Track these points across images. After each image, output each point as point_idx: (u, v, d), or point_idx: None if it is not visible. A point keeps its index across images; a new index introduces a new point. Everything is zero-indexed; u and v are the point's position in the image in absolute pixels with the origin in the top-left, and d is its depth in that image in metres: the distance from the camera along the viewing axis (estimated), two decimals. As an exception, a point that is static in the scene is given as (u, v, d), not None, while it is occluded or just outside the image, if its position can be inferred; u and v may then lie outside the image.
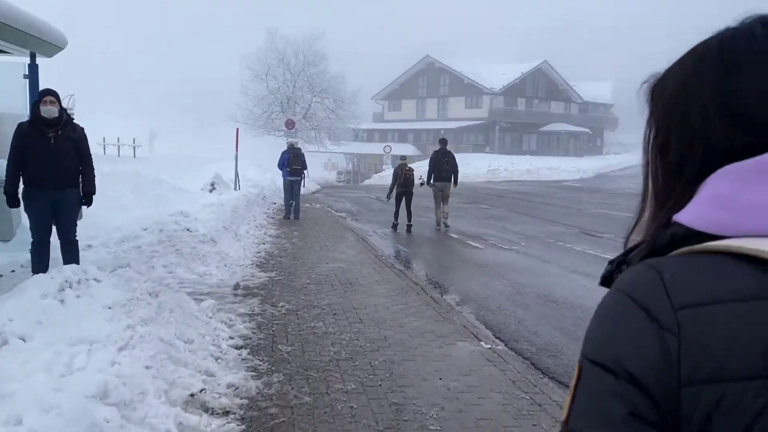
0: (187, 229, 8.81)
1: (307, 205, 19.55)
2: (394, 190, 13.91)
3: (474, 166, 36.68)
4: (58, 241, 6.64)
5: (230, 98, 44.19)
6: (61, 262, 6.64)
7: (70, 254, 6.54)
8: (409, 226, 13.86)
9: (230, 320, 5.61)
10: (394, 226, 14.06)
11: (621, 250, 0.76)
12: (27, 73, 8.17)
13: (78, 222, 7.14)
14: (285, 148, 16.03)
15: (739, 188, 0.63)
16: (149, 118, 78.16)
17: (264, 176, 24.25)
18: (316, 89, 43.19)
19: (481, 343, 5.45)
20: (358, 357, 4.93)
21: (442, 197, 14.04)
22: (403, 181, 13.61)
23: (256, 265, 8.68)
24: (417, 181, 14.11)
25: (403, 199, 13.81)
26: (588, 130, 60.55)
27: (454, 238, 12.91)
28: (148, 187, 12.88)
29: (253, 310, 6.21)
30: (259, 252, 9.77)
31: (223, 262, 8.25)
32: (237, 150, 18.16)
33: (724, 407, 0.57)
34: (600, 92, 66.21)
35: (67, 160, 6.33)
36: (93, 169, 6.69)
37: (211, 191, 17.16)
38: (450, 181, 13.89)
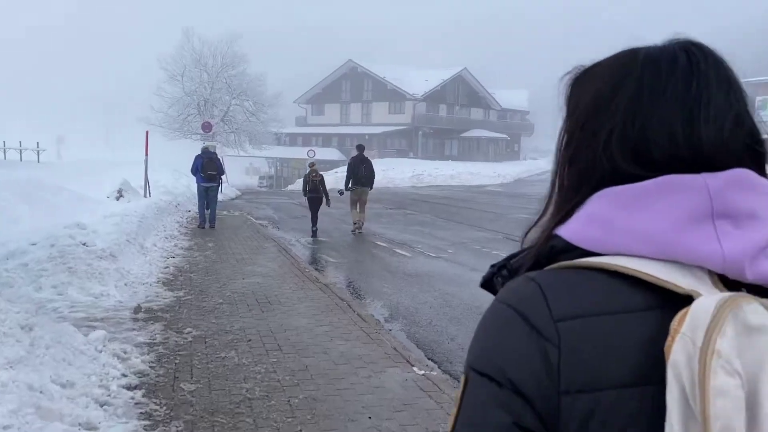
0: (83, 244, 7.81)
1: (225, 212, 18.54)
2: (307, 196, 14.05)
3: (399, 171, 36.48)
4: None
5: (145, 100, 42.05)
6: None
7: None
8: (314, 231, 13.95)
9: (125, 353, 4.80)
10: (314, 233, 13.95)
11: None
12: None
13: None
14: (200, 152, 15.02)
15: (615, 211, 0.65)
16: (57, 122, 73.76)
17: (179, 182, 22.94)
18: (235, 91, 41.71)
19: (414, 368, 4.89)
20: (274, 394, 4.25)
21: (359, 202, 14.16)
22: (311, 187, 13.83)
23: (163, 283, 7.79)
24: (332, 189, 14.45)
25: (314, 204, 13.96)
26: (506, 136, 61.90)
27: (382, 246, 12.39)
28: (45, 195, 11.63)
29: (153, 339, 5.40)
30: (166, 267, 8.85)
31: (123, 281, 7.33)
32: (147, 154, 16.92)
33: (598, 415, 0.60)
34: (517, 100, 67.97)
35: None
36: None
37: (118, 199, 15.89)
38: (368, 186, 14.10)
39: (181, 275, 8.44)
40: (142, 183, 17.19)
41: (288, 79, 59.15)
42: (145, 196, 16.82)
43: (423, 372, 4.79)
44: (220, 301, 7.02)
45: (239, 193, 30.74)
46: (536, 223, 0.76)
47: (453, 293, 8.21)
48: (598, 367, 0.60)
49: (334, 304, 6.97)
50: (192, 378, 4.51)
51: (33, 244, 7.62)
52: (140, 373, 4.48)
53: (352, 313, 6.59)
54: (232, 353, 5.09)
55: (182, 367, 4.71)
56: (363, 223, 14.28)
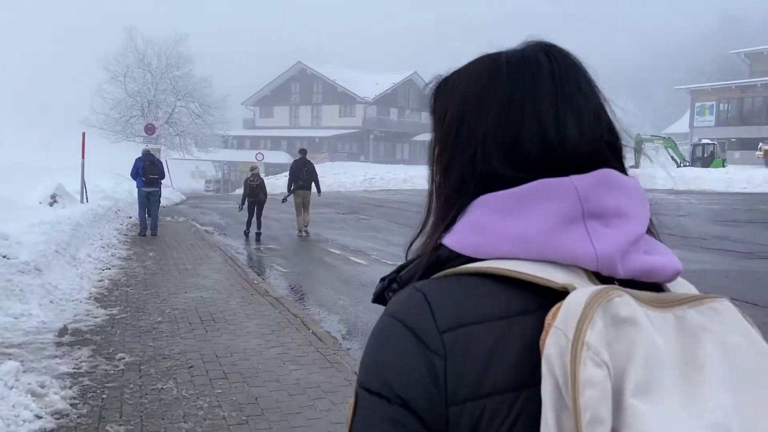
0: (4, 256, 6.96)
1: (168, 218, 17.60)
2: (246, 200, 14.07)
3: (350, 175, 35.93)
4: None
5: (85, 102, 40.17)
6: None
7: None
8: (258, 234, 13.93)
9: (42, 387, 4.10)
10: (246, 233, 14.07)
11: None
12: None
13: None
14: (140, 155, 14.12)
15: (493, 216, 0.67)
16: (-12, 122, 70.27)
17: (120, 186, 21.79)
18: (180, 93, 40.36)
19: (379, 397, 4.37)
20: (219, 436, 3.66)
21: (303, 205, 14.22)
22: (251, 191, 13.90)
23: (95, 299, 7.02)
24: (281, 193, 14.75)
25: (255, 207, 13.88)
26: (457, 140, 62.22)
27: (335, 254, 11.81)
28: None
29: (78, 368, 4.69)
30: (101, 281, 8.04)
31: (48, 298, 6.53)
32: (83, 157, 15.84)
33: (484, 422, 0.60)
34: (467, 103, 68.48)
35: None
36: None
37: (51, 205, 14.77)
38: (309, 189, 14.26)
39: (116, 289, 7.66)
40: (79, 188, 16.08)
41: (235, 80, 57.82)
42: (81, 201, 15.73)
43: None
44: (159, 319, 6.32)
45: (184, 197, 29.57)
46: (419, 234, 0.77)
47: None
48: (482, 374, 0.61)
49: (287, 321, 6.37)
50: (121, 417, 3.85)
51: (-57, 258, 6.74)
52: (58, 414, 3.80)
53: (306, 331, 6.01)
54: (170, 384, 4.45)
55: (110, 404, 4.04)
56: (308, 224, 14.36)
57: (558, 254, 0.64)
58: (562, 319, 0.58)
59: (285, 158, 54.14)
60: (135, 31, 40.31)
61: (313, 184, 14.25)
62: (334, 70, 57.32)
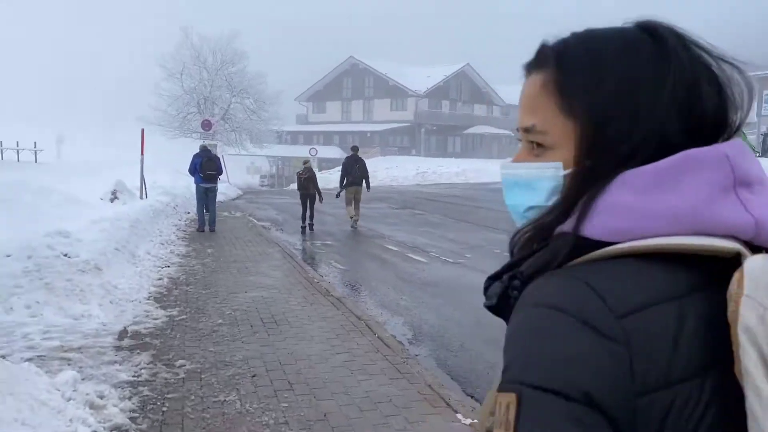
0: (65, 255, 6.85)
1: (226, 213, 17.60)
2: (299, 193, 14.48)
3: (403, 169, 35.51)
4: None
5: (144, 99, 41.07)
6: None
7: None
8: (311, 225, 14.22)
9: (101, 398, 3.86)
10: (302, 228, 14.26)
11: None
12: None
13: None
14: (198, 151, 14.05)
15: (638, 196, 0.63)
16: (57, 122, 72.92)
17: (177, 182, 22.01)
18: (235, 89, 40.79)
19: (458, 415, 3.95)
20: (288, 459, 3.32)
21: (354, 200, 14.58)
22: (299, 185, 14.32)
23: (154, 299, 6.83)
24: (333, 189, 14.89)
25: (307, 200, 14.15)
26: (511, 132, 60.88)
27: (393, 251, 11.44)
28: (29, 199, 10.67)
29: (138, 375, 4.45)
30: (160, 279, 7.88)
31: (108, 298, 6.38)
32: (143, 153, 15.96)
33: (675, 410, 0.58)
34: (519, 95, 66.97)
35: None
36: None
37: (112, 201, 14.93)
38: (361, 185, 14.59)
39: (175, 288, 7.48)
40: (138, 184, 16.22)
41: (289, 77, 58.18)
42: (141, 197, 15.86)
43: (470, 421, 3.84)
44: (219, 321, 6.07)
45: (240, 192, 29.77)
46: (538, 224, 0.71)
47: (482, 308, 7.26)
48: (670, 360, 0.58)
49: (351, 324, 6.02)
50: (183, 434, 3.57)
51: (7, 256, 6.65)
52: (117, 429, 3.54)
53: (371, 336, 5.65)
54: (233, 395, 4.15)
55: (171, 418, 3.76)
56: (358, 219, 14.63)
57: (714, 226, 0.62)
58: (751, 288, 0.57)
59: (338, 153, 54.17)
60: (191, 29, 40.93)
61: (364, 180, 14.59)
62: (385, 64, 56.94)
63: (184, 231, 13.22)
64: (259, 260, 9.79)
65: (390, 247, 12.00)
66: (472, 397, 4.61)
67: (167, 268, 8.63)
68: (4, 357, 4.66)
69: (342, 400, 4.11)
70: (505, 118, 62.91)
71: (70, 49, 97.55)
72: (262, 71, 41.99)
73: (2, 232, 7.87)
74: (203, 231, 13.24)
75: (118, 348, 5.06)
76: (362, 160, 14.91)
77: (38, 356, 4.72)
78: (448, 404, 4.11)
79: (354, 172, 14.44)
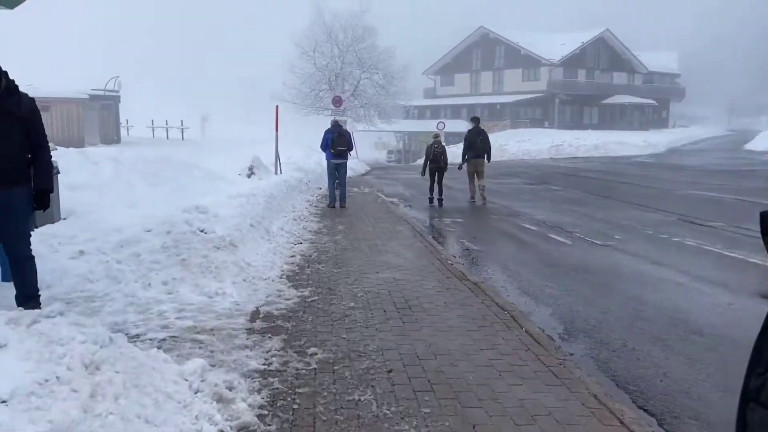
0: (201, 231, 6.83)
1: (355, 189, 17.51)
2: (428, 167, 14.11)
3: (535, 142, 33.89)
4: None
5: (278, 77, 42.46)
6: (11, 286, 4.79)
7: (22, 275, 4.65)
8: (440, 200, 14.08)
9: (229, 390, 3.57)
10: (430, 200, 14.32)
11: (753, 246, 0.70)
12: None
13: (34, 230, 5.29)
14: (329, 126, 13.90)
15: None
16: (199, 101, 77.87)
17: (310, 159, 22.34)
18: (365, 65, 40.93)
19: (636, 438, 3.23)
20: (433, 484, 2.80)
21: (476, 173, 14.37)
22: (434, 157, 13.84)
23: (287, 278, 6.61)
24: (454, 164, 14.75)
25: (436, 174, 13.99)
26: (654, 102, 56.27)
27: (531, 231, 10.60)
28: (172, 174, 11.06)
29: (268, 364, 4.15)
30: (292, 256, 7.70)
31: (242, 275, 6.23)
32: (277, 130, 16.18)
33: None
34: (665, 62, 61.61)
35: (9, 145, 4.40)
36: (49, 158, 4.76)
37: (249, 176, 15.29)
38: (483, 158, 14.27)
39: (307, 266, 7.25)
40: (273, 160, 16.50)
41: (416, 51, 57.51)
42: (275, 173, 16.12)
43: (653, 448, 3.11)
44: (352, 304, 5.70)
45: (368, 168, 29.86)
46: None
47: (642, 298, 6.33)
48: None
49: (493, 315, 5.40)
50: (314, 440, 3.17)
51: (148, 231, 6.74)
52: (244, 429, 3.21)
53: (518, 330, 4.99)
54: (368, 394, 3.70)
55: (301, 419, 3.38)
56: (483, 190, 14.32)
57: None
58: None
59: (465, 127, 52.99)
60: (323, 6, 41.45)
61: (486, 153, 14.28)
62: (517, 33, 54.56)
63: (316, 207, 13.19)
64: (389, 238, 9.40)
65: (528, 226, 11.16)
66: (645, 410, 3.85)
67: (300, 245, 8.47)
68: (138, 337, 4.57)
69: (492, 409, 3.53)
70: (648, 87, 58.24)
71: (208, 30, 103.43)
72: (390, 46, 41.79)
73: (146, 206, 8.06)
74: (334, 206, 13.14)
75: (250, 331, 4.82)
76: (485, 132, 14.58)
77: (171, 336, 4.58)
78: (621, 422, 3.39)
79: (477, 145, 14.18)
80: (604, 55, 55.25)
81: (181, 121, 41.55)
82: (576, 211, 13.02)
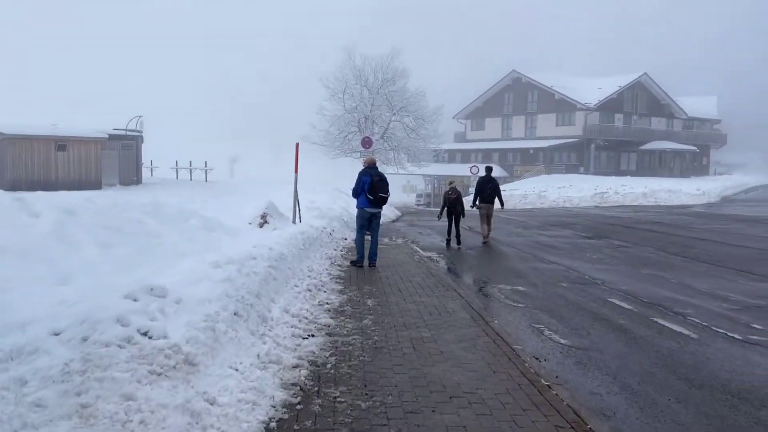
0: (144, 334, 4.05)
1: (386, 240, 14.74)
2: (445, 210, 14.64)
3: (578, 189, 30.84)
4: None
5: (307, 119, 40.44)
6: None
7: None
8: (457, 240, 14.40)
9: None
10: (447, 242, 14.65)
11: None
12: None
13: None
14: (361, 167, 11.09)
15: None
16: (230, 142, 76.74)
17: (335, 203, 19.69)
18: (395, 107, 38.66)
19: None
20: None
21: (486, 216, 15.23)
22: (449, 203, 14.38)
23: (277, 427, 3.76)
24: (467, 206, 15.62)
25: (452, 217, 14.49)
26: (695, 149, 52.86)
27: (629, 312, 7.60)
28: (152, 228, 8.36)
29: None
30: (295, 367, 4.78)
31: (199, 425, 3.39)
32: (296, 171, 13.55)
33: None
34: (705, 107, 58.42)
35: None
36: None
37: (262, 226, 12.59)
38: (492, 203, 15.22)
39: (317, 395, 4.33)
40: (292, 205, 13.84)
41: (447, 95, 55.43)
42: (294, 221, 13.43)
43: None
44: None
45: (399, 213, 27.12)
46: None
47: None
48: None
49: None
50: None
51: (56, 334, 3.97)
52: None
53: None
54: None
55: None
56: (489, 233, 15.29)
57: None
58: None
59: (497, 172, 50.26)
60: (353, 49, 39.63)
61: (496, 198, 15.19)
62: (551, 77, 52.07)
63: (340, 266, 10.39)
64: (439, 325, 6.50)
65: (616, 302, 8.17)
66: None
67: (309, 341, 5.58)
68: None
69: None
70: (687, 133, 54.95)
71: (239, 72, 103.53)
72: (422, 88, 39.64)
73: (84, 281, 5.31)
74: (362, 266, 10.33)
75: None
76: (495, 180, 15.52)
77: None
78: None
79: (486, 191, 15.07)
80: (642, 99, 52.32)
81: (205, 162, 39.50)
82: (665, 278, 9.96)
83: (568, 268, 11.14)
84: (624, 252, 13.40)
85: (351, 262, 10.54)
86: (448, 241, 14.57)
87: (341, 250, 12.48)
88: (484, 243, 14.81)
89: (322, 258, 10.68)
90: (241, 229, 11.97)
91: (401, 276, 9.65)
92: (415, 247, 14.00)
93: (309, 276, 8.51)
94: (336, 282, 8.84)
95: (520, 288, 9.29)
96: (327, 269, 9.75)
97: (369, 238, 10.83)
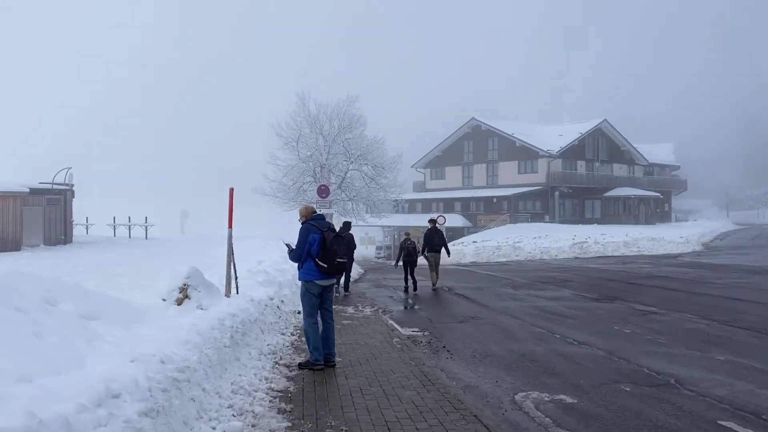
0: None
1: (351, 309, 11.33)
2: (401, 260, 15.57)
3: (554, 239, 28.12)
4: None
5: (258, 170, 37.10)
6: None
7: None
8: (414, 287, 15.31)
9: None
10: (405, 289, 15.44)
11: None
12: None
13: None
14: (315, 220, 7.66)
15: None
16: (180, 196, 72.34)
17: (288, 263, 16.07)
18: (353, 155, 35.76)
19: None
20: None
21: (435, 264, 16.05)
22: (407, 252, 15.56)
23: None
24: (419, 255, 15.88)
25: (408, 266, 15.51)
26: (659, 195, 51.65)
27: (719, 428, 4.35)
28: (31, 312, 4.70)
29: None
30: None
31: None
32: (230, 226, 9.99)
33: None
34: (662, 153, 57.90)
35: None
36: None
37: (180, 303, 8.94)
38: (440, 252, 16.10)
39: None
40: (225, 272, 10.21)
41: (405, 144, 53.21)
42: (227, 293, 9.81)
43: None
44: None
45: (362, 271, 23.60)
46: None
47: None
48: None
49: None
50: None
51: None
52: None
53: None
54: None
55: None
56: (437, 280, 15.98)
57: None
58: None
59: (459, 221, 47.57)
60: (307, 96, 36.87)
61: (443, 248, 16.06)
62: (511, 125, 50.45)
63: (287, 368, 6.86)
64: None
65: (715, 418, 4.91)
66: None
67: None
68: None
69: None
70: (649, 179, 53.88)
71: (185, 120, 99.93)
72: (379, 136, 37.05)
73: None
74: (321, 368, 6.82)
75: None
76: (441, 231, 16.64)
77: None
78: None
79: (434, 242, 15.95)
80: (603, 145, 51.11)
81: (146, 218, 35.40)
82: (756, 368, 6.78)
83: (607, 353, 7.91)
84: (660, 323, 10.26)
85: (300, 365, 6.96)
86: (406, 288, 15.55)
87: (291, 334, 8.96)
88: (434, 290, 15.50)
89: (261, 354, 7.13)
90: (151, 308, 8.32)
91: (382, 385, 6.18)
92: (391, 321, 10.59)
93: (230, 406, 4.94)
94: (278, 411, 5.29)
95: (565, 398, 5.96)
96: (266, 378, 6.20)
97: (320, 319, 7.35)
